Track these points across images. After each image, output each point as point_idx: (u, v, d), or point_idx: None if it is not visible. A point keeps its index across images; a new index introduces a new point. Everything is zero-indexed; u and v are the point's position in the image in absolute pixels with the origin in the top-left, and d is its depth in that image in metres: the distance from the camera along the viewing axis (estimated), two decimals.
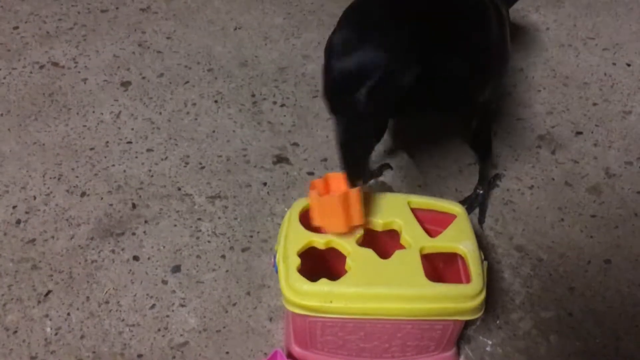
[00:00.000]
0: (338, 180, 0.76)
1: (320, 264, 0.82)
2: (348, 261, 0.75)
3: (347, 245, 0.76)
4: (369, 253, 0.76)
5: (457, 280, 0.82)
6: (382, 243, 0.82)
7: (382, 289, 0.73)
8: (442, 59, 0.80)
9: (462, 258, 0.81)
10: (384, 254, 0.76)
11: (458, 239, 0.79)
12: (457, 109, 0.95)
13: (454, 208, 0.83)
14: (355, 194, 0.75)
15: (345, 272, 0.74)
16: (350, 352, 0.81)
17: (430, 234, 0.80)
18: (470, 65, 0.84)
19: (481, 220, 1.04)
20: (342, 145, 0.73)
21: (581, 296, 0.94)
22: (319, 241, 0.77)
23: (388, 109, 0.76)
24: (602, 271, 0.98)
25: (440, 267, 0.87)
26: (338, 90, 0.71)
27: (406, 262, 0.75)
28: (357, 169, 0.75)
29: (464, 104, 0.93)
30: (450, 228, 0.81)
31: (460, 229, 0.80)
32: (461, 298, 0.73)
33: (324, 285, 0.72)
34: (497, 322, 0.91)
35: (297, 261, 0.74)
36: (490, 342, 0.88)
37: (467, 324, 0.87)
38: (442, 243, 0.79)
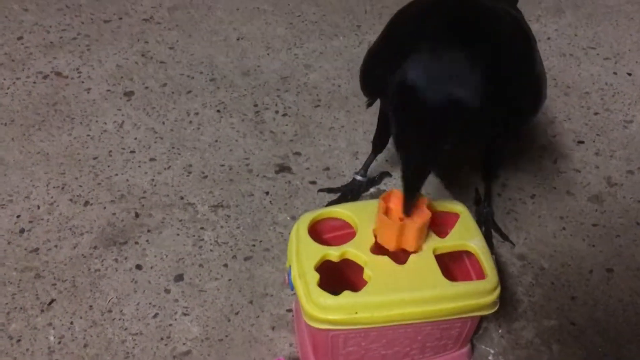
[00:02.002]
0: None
1: (331, 278, 0.81)
2: (366, 271, 0.75)
3: (363, 255, 0.77)
4: (385, 260, 0.76)
5: (466, 277, 0.83)
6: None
7: (406, 294, 0.73)
8: (510, 92, 0.80)
9: (468, 255, 0.83)
10: (395, 259, 0.76)
11: (466, 236, 0.80)
12: (507, 135, 0.96)
13: (456, 207, 0.84)
14: (413, 226, 0.75)
15: (364, 281, 0.75)
16: None
17: (436, 234, 0.80)
18: (529, 94, 0.86)
19: (505, 237, 1.04)
20: (411, 172, 0.74)
21: (583, 305, 0.94)
22: (333, 254, 0.77)
23: (463, 142, 0.76)
24: (604, 280, 0.98)
25: (448, 266, 0.87)
26: (419, 128, 0.71)
27: (423, 265, 0.76)
28: (416, 192, 0.76)
29: (513, 132, 0.94)
30: (456, 227, 0.82)
31: (466, 227, 0.82)
32: (480, 294, 0.75)
33: (347, 297, 0.72)
34: (500, 331, 0.91)
35: (315, 276, 0.74)
36: (492, 351, 0.88)
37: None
38: (453, 242, 0.80)
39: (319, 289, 0.73)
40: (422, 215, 0.76)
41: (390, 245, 0.77)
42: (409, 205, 0.76)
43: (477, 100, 0.70)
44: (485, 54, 0.75)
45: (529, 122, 0.94)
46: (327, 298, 0.72)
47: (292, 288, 0.76)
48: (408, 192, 0.75)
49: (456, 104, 0.69)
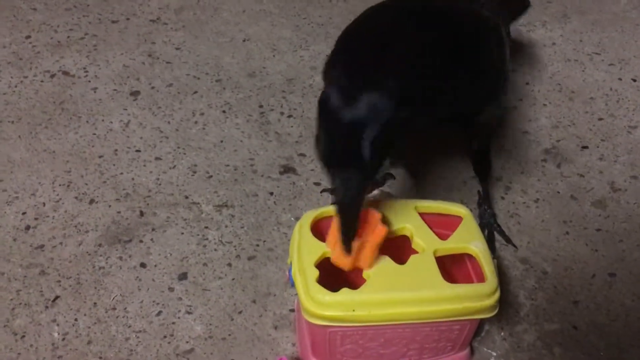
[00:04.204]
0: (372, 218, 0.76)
1: (331, 275, 0.82)
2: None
3: None
4: (385, 260, 0.76)
5: (467, 280, 0.84)
6: (393, 249, 0.83)
7: (404, 294, 0.73)
8: (439, 88, 0.79)
9: (470, 258, 0.83)
10: (396, 259, 0.77)
11: (468, 239, 0.81)
12: (455, 127, 0.96)
13: (460, 210, 0.85)
14: (369, 247, 0.74)
15: (363, 280, 0.75)
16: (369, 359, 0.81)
17: (439, 237, 0.81)
18: (468, 89, 0.84)
19: (508, 240, 1.04)
20: (343, 201, 0.71)
21: (586, 309, 0.95)
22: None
23: (389, 152, 0.74)
24: (607, 284, 0.98)
25: (449, 269, 0.87)
26: (344, 139, 0.68)
27: (422, 265, 0.76)
28: (354, 228, 0.73)
29: (462, 124, 0.94)
30: (459, 230, 0.82)
31: (469, 229, 0.82)
32: (479, 297, 0.75)
33: (345, 294, 0.73)
34: (502, 333, 0.91)
35: (315, 273, 0.74)
36: (494, 354, 0.89)
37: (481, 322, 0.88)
38: (454, 244, 0.80)
39: (317, 285, 0.73)
40: (377, 233, 0.75)
41: (345, 265, 0.75)
42: (348, 242, 0.73)
43: (391, 103, 0.69)
44: (409, 54, 0.75)
45: (483, 114, 0.94)
46: (325, 294, 0.72)
47: (293, 284, 0.77)
48: (345, 224, 0.72)
49: (369, 110, 0.68)
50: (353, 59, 0.77)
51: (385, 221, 0.77)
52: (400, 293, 0.74)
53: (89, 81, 1.36)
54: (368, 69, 0.73)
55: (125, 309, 0.92)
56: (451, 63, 0.81)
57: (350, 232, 0.72)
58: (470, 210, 0.86)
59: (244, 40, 1.51)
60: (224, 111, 1.30)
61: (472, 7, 0.97)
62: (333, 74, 0.75)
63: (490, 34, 0.93)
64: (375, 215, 0.76)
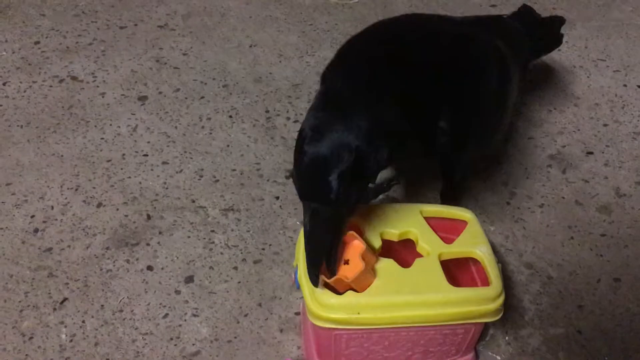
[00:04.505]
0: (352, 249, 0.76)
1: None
2: None
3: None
4: (390, 263, 0.77)
5: (472, 284, 0.84)
6: (398, 253, 0.83)
7: (409, 297, 0.74)
8: (419, 125, 0.80)
9: (474, 262, 0.83)
10: (401, 263, 0.77)
11: (473, 244, 0.81)
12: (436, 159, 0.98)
13: (465, 215, 0.85)
14: (347, 282, 0.74)
15: None
16: None
17: (444, 241, 0.81)
18: (455, 126, 0.84)
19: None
20: (309, 234, 0.72)
21: (590, 314, 0.95)
22: None
23: (361, 189, 0.75)
24: (612, 289, 0.98)
25: (454, 273, 0.88)
26: (310, 175, 0.70)
27: (427, 269, 0.77)
28: (320, 260, 0.72)
29: (443, 158, 0.95)
30: (464, 234, 0.83)
31: (474, 234, 0.83)
32: (484, 300, 0.75)
33: (351, 297, 0.73)
34: (506, 337, 0.91)
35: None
36: (499, 358, 0.89)
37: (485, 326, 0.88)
38: (459, 249, 0.81)
39: (323, 288, 0.74)
40: (353, 270, 0.74)
41: (340, 289, 0.76)
42: (313, 274, 0.73)
43: (358, 142, 0.70)
44: (391, 88, 0.76)
45: (470, 151, 0.96)
46: (330, 297, 0.73)
47: (298, 286, 0.77)
48: (310, 257, 0.72)
49: (334, 148, 0.69)
50: (335, 86, 0.79)
51: (366, 255, 0.75)
52: (405, 296, 0.74)
53: (97, 86, 1.37)
54: (342, 103, 0.74)
55: (132, 311, 0.93)
56: (440, 97, 0.82)
57: (315, 265, 0.73)
58: (476, 215, 0.86)
59: (250, 46, 1.52)
60: (230, 116, 1.31)
61: (482, 36, 0.94)
62: (314, 103, 0.76)
63: (493, 69, 0.91)
64: (357, 247, 0.75)
